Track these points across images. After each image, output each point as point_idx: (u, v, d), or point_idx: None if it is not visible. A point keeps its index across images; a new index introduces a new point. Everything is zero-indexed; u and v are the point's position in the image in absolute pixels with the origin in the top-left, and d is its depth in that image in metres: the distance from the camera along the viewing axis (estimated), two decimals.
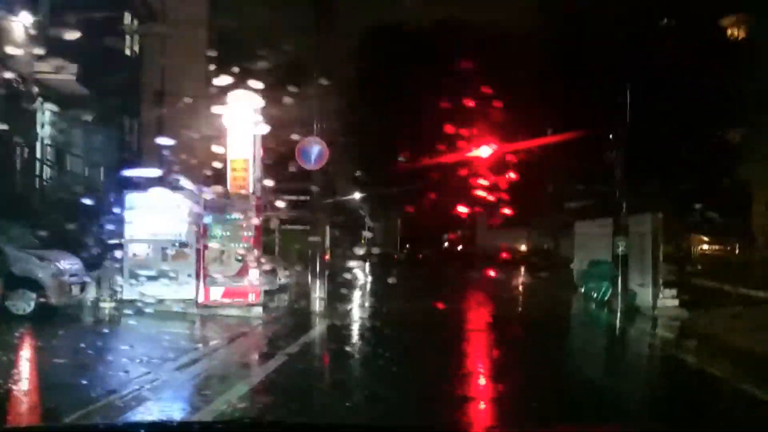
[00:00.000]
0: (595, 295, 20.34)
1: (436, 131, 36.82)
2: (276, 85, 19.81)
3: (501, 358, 11.38)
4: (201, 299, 14.40)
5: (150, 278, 14.35)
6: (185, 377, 8.76)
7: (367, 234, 44.83)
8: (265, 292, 16.75)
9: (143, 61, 22.71)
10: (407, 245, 46.89)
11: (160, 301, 14.07)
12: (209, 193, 14.84)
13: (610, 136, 25.43)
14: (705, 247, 26.11)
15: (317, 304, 15.59)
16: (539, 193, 39.47)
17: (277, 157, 18.73)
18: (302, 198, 24.73)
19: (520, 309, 19.02)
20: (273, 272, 19.34)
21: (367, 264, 38.98)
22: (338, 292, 18.64)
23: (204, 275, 14.42)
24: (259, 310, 14.53)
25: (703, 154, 21.31)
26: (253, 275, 14.53)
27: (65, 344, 10.24)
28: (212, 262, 14.51)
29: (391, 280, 27.96)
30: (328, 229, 23.78)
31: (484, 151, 35.46)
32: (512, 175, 37.69)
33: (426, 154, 36.88)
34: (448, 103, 36.41)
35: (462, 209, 44.66)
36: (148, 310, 13.75)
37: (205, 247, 14.60)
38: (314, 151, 15.37)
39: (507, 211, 45.05)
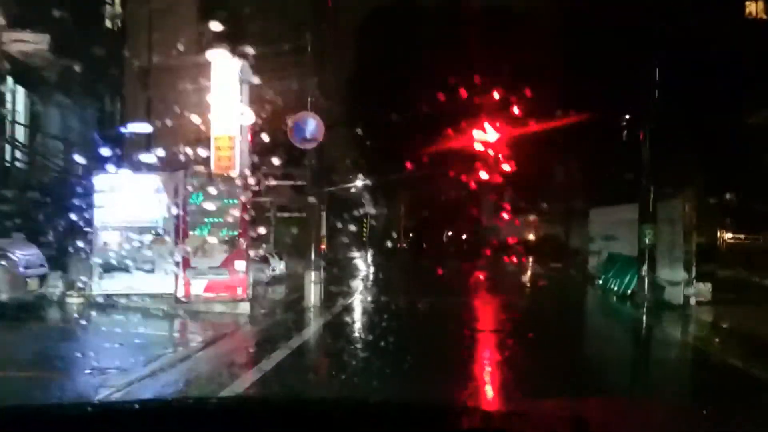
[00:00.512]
0: (616, 287, 18.70)
1: (442, 112, 35.20)
2: (270, 59, 18.16)
3: (519, 364, 9.61)
4: (180, 294, 12.73)
5: (122, 270, 12.74)
6: (147, 390, 7.19)
7: (369, 222, 43.17)
8: (257, 284, 15.16)
9: (127, 35, 20.98)
10: (411, 234, 45.21)
11: (134, 297, 12.47)
12: (190, 175, 13.13)
13: (626, 117, 23.75)
14: (729, 236, 24.39)
15: (313, 298, 13.97)
16: (549, 179, 37.81)
17: (270, 136, 17.12)
18: (299, 183, 23.17)
19: (534, 305, 17.33)
20: (265, 263, 17.75)
21: (369, 253, 37.44)
22: (337, 285, 17.06)
23: (184, 267, 12.75)
24: (246, 305, 12.89)
25: (735, 136, 19.61)
26: (240, 267, 12.87)
27: (5, 350, 8.61)
28: (193, 252, 12.85)
29: (393, 272, 26.37)
30: (324, 216, 22.11)
31: (492, 135, 33.91)
32: (520, 160, 36.19)
33: (431, 137, 35.17)
34: (455, 82, 34.78)
35: (468, 196, 43.04)
36: (120, 306, 12.15)
37: (185, 235, 12.94)
38: (309, 126, 13.69)
39: (515, 198, 43.50)
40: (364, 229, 43.07)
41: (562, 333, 12.19)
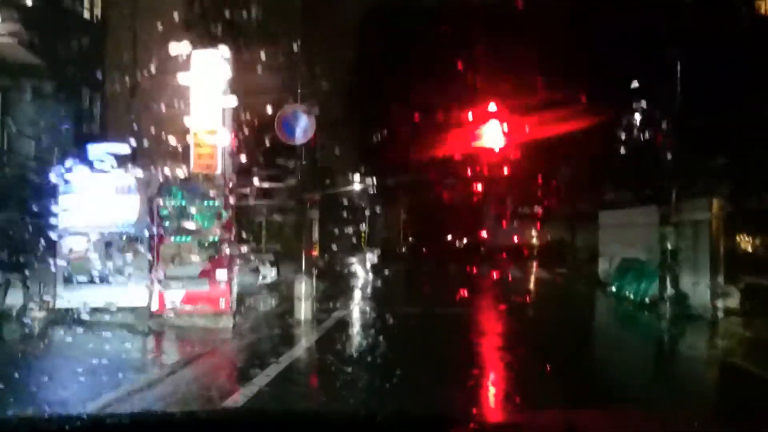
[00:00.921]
0: (632, 295, 17.38)
1: (443, 113, 33.89)
2: (258, 50, 16.86)
3: (533, 386, 8.21)
4: (155, 307, 11.38)
5: (90, 281, 11.39)
6: (102, 426, 5.80)
7: (367, 227, 41.85)
8: (247, 294, 13.83)
9: (108, 27, 19.65)
10: (411, 238, 43.86)
11: (103, 310, 11.13)
12: (167, 174, 11.78)
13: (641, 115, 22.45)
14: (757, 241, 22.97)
15: (303, 311, 12.62)
16: (553, 181, 36.54)
17: (261, 135, 15.81)
18: (291, 184, 21.88)
19: (545, 315, 15.85)
20: (255, 270, 16.41)
21: (368, 259, 36.13)
22: (331, 295, 15.71)
23: (159, 276, 11.39)
24: (229, 320, 11.53)
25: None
26: (222, 276, 11.51)
27: None
28: (169, 260, 11.49)
29: (392, 279, 25.01)
30: (318, 220, 20.81)
31: (497, 136, 32.60)
32: (525, 162, 34.87)
33: (434, 138, 33.79)
34: (457, 81, 33.52)
35: (470, 199, 41.74)
36: (86, 322, 10.79)
37: (161, 240, 11.59)
38: (299, 122, 12.38)
39: (518, 201, 42.16)
40: (363, 234, 41.74)
41: (579, 348, 10.85)
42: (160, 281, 11.31)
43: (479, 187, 40.94)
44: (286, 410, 3.90)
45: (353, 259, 32.71)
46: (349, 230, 44.77)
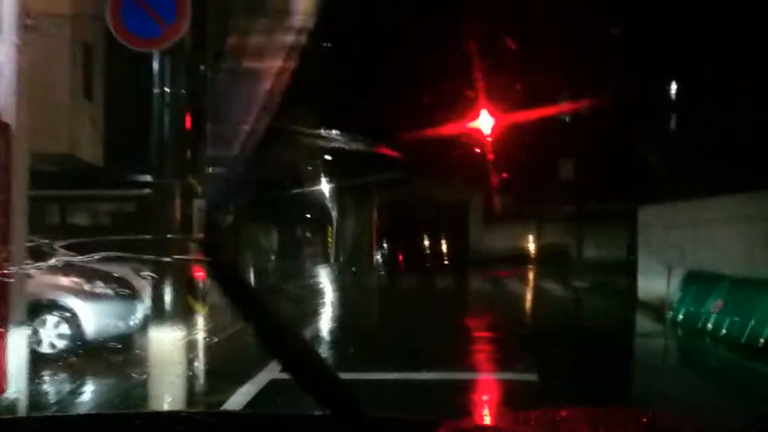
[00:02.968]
0: (735, 331, 10.86)
1: (423, 94, 28.20)
2: None
3: None
4: None
5: None
6: None
7: (335, 230, 35.63)
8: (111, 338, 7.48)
9: None
10: (386, 244, 37.61)
11: None
12: None
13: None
14: None
15: (171, 382, 6.27)
16: (554, 175, 30.71)
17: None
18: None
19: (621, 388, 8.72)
20: (126, 295, 9.71)
21: (333, 270, 29.94)
22: (245, 344, 9.27)
23: None
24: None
25: None
26: None
27: None
28: None
29: (358, 302, 18.69)
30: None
31: (485, 124, 27.06)
32: (518, 151, 29.16)
33: (410, 124, 28.08)
34: (440, 60, 28.37)
35: (454, 196, 35.69)
36: None
37: None
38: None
39: (511, 197, 36.15)
40: (329, 239, 35.50)
41: None
42: None
43: (466, 183, 35.21)
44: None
45: (315, 272, 26.62)
46: (312, 235, 38.51)
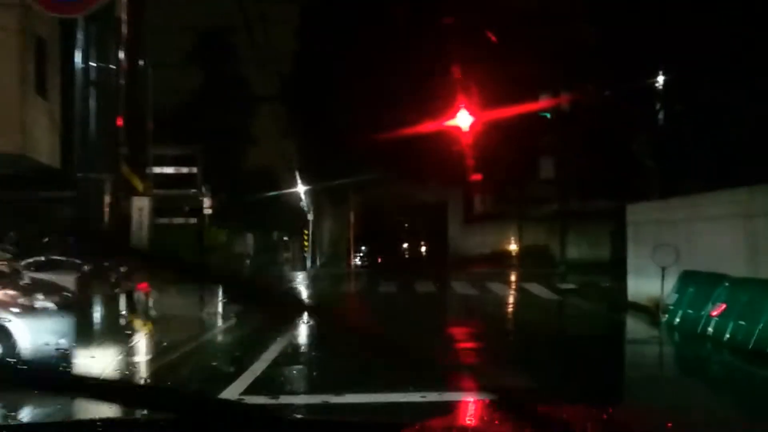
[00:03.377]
0: (739, 335, 10.13)
1: (399, 95, 27.41)
2: None
3: None
4: None
5: None
6: None
7: (311, 233, 34.65)
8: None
9: None
10: (363, 246, 36.67)
11: None
12: None
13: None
14: None
15: None
16: (533, 174, 30.06)
17: None
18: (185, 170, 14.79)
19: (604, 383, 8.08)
20: (69, 307, 8.74)
21: (310, 273, 29.07)
22: (227, 349, 8.36)
23: None
24: None
25: None
26: None
27: None
28: None
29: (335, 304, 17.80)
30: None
31: (463, 121, 26.31)
32: (499, 151, 28.47)
33: (388, 125, 27.27)
34: (416, 59, 27.77)
35: (432, 198, 34.88)
36: None
37: None
38: None
39: (491, 198, 35.46)
40: (306, 243, 34.54)
41: None
42: None
43: (444, 184, 34.47)
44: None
45: (293, 275, 25.64)
46: (290, 239, 37.48)
